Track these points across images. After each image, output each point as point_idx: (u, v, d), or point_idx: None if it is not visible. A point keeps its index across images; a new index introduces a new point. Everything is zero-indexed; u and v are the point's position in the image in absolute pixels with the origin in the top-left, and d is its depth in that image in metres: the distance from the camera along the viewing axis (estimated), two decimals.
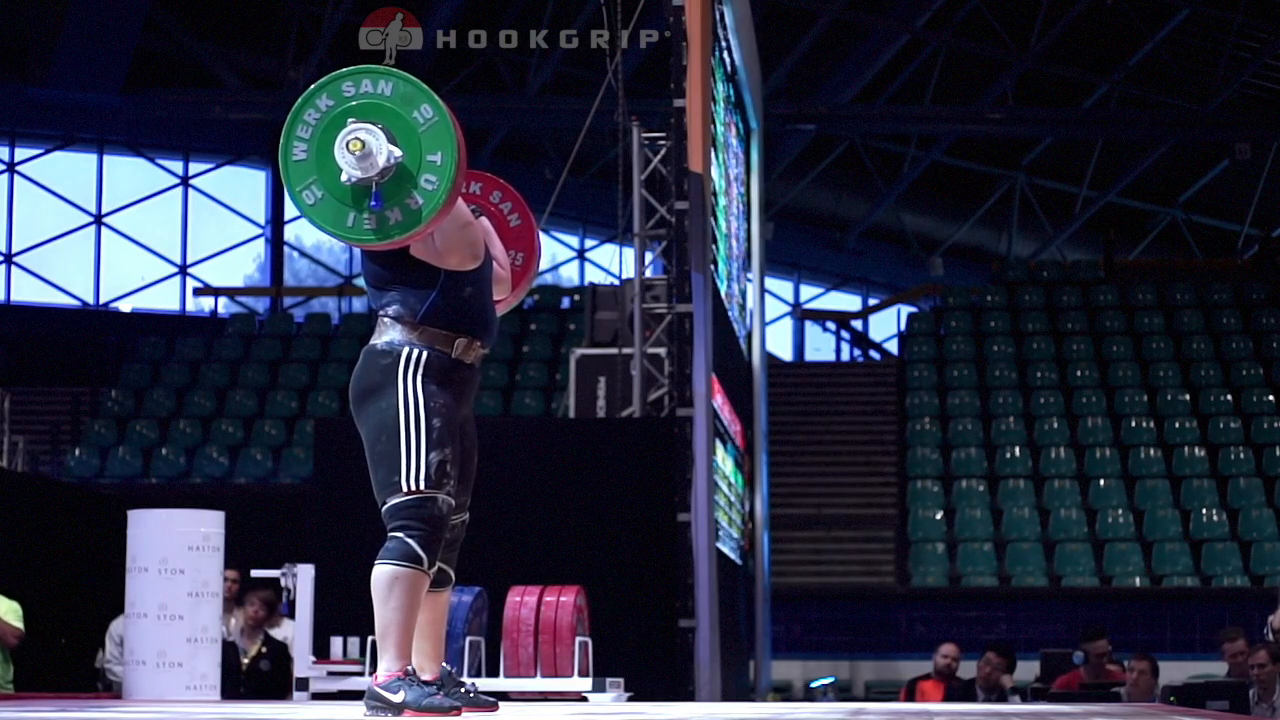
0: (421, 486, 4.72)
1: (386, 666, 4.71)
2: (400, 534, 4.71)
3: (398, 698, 4.66)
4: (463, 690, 5.00)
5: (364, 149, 4.54)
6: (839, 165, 26.20)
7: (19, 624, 9.51)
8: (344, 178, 4.57)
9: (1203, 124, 23.00)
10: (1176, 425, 19.27)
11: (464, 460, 4.88)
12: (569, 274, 27.21)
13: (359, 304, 24.43)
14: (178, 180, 25.65)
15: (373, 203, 4.57)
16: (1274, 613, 10.29)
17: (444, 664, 5.02)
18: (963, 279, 25.94)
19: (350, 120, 4.59)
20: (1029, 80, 23.58)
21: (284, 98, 22.06)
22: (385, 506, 4.75)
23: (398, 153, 4.57)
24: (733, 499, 12.52)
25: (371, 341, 4.89)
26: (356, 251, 28.09)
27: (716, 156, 11.59)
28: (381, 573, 4.71)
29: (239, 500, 14.13)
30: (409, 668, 4.72)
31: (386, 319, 4.85)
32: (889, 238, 27.89)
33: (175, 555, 8.32)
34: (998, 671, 11.52)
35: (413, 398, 4.77)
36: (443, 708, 4.65)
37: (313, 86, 4.67)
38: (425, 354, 4.80)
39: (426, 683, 4.75)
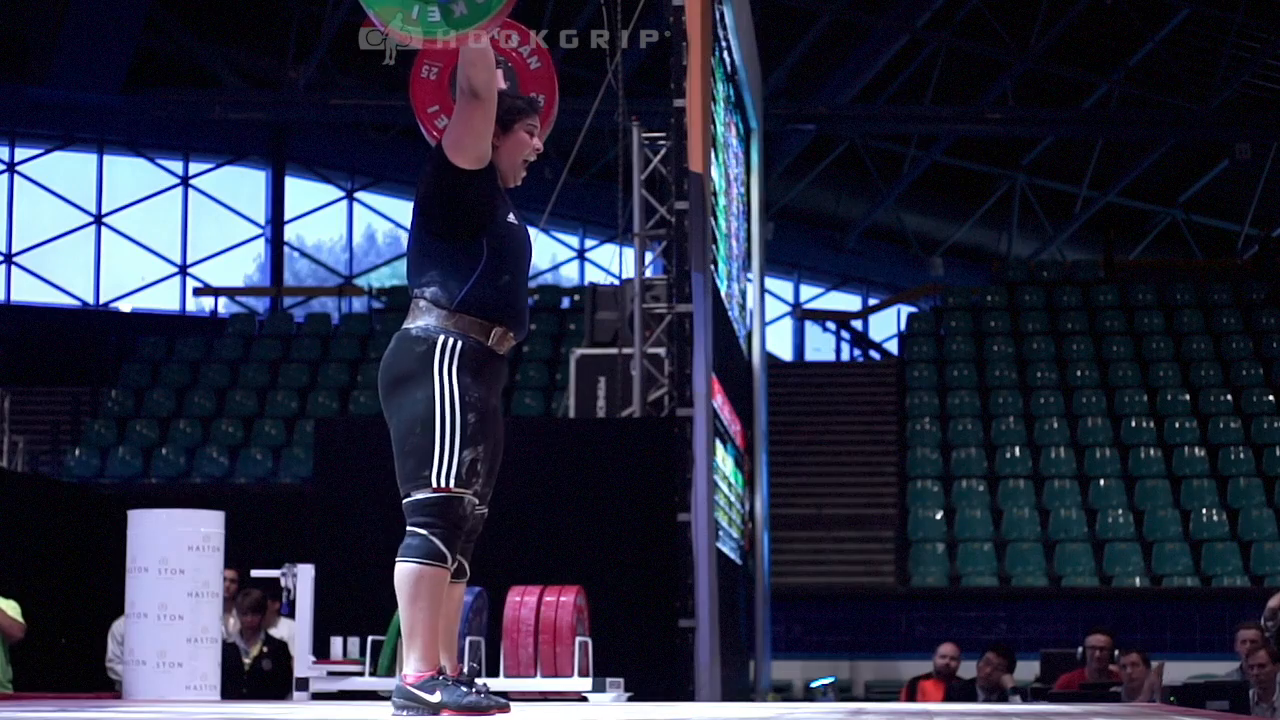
0: (451, 485, 4.70)
1: (416, 667, 4.68)
2: (424, 531, 4.68)
3: (434, 698, 4.64)
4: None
5: None
6: (839, 165, 26.20)
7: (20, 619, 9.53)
8: None
9: (1203, 124, 22.99)
10: (1176, 425, 19.27)
11: (492, 454, 4.85)
12: (569, 274, 27.22)
13: (359, 304, 24.43)
14: (178, 180, 25.66)
15: None
16: (1274, 597, 10.30)
17: (470, 663, 5.00)
18: (963, 279, 25.93)
19: None
20: (1029, 80, 23.58)
21: (284, 98, 22.07)
22: (410, 499, 4.72)
23: None
24: (733, 499, 12.51)
25: (405, 325, 4.84)
26: (357, 251, 27.65)
27: (716, 156, 11.59)
28: (406, 571, 4.68)
29: (239, 500, 14.09)
30: (441, 666, 4.71)
31: (423, 302, 4.82)
32: (889, 238, 27.89)
33: (175, 555, 8.31)
34: (998, 671, 11.52)
35: (449, 391, 4.73)
36: (481, 706, 4.64)
37: None
38: (461, 343, 4.76)
39: (458, 681, 4.71)
